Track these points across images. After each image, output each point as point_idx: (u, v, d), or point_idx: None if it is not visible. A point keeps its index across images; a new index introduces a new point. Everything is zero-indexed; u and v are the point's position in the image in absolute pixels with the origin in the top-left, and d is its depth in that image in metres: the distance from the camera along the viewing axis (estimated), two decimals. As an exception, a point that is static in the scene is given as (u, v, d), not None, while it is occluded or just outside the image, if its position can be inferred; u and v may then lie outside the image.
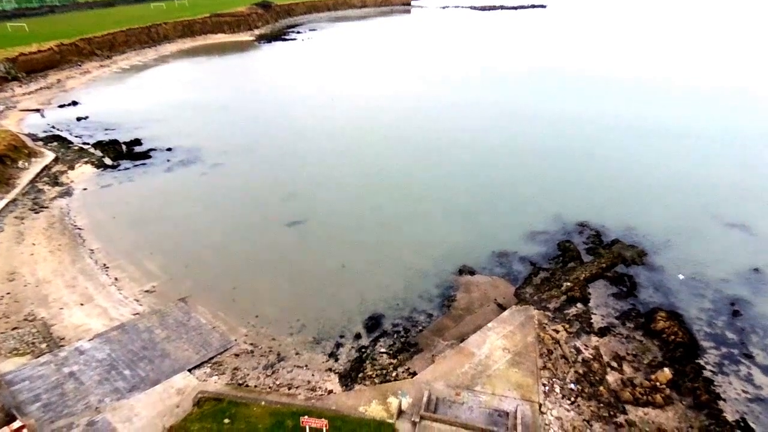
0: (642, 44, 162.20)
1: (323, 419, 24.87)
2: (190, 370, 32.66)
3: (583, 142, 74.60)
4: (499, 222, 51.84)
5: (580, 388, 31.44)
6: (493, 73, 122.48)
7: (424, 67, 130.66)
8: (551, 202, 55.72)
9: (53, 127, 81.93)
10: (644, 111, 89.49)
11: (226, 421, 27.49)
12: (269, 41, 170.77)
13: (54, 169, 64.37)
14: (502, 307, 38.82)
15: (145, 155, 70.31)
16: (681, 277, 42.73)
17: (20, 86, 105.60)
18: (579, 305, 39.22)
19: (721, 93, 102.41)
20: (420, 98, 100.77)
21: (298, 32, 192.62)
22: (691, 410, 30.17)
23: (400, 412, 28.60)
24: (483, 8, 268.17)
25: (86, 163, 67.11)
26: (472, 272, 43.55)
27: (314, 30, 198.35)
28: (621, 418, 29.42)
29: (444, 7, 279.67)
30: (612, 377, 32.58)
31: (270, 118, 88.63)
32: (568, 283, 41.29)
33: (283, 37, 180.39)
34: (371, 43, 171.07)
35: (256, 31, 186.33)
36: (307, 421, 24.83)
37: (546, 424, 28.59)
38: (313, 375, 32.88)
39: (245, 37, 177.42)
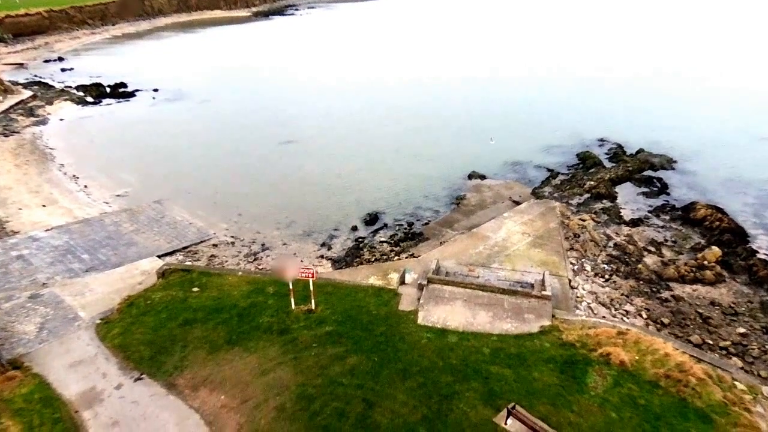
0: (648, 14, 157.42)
1: (311, 270, 20.29)
2: (159, 256, 28.13)
3: (601, 71, 69.98)
4: (511, 137, 47.26)
5: (614, 267, 26.80)
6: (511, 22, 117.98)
7: (428, 31, 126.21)
8: (568, 121, 51.21)
9: (36, 75, 77.60)
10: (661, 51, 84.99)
11: (195, 289, 22.91)
12: (267, 16, 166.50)
13: (31, 104, 59.95)
14: (517, 204, 34.17)
15: (130, 94, 65.88)
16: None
17: (5, 47, 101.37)
18: (605, 201, 34.55)
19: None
20: (429, 46, 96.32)
21: (297, 9, 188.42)
22: (747, 286, 25.52)
23: (403, 284, 23.99)
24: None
25: (66, 100, 62.72)
26: (482, 177, 38.91)
27: (312, 8, 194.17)
28: (666, 294, 24.76)
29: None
30: (650, 260, 27.93)
31: (264, 68, 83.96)
32: (592, 182, 36.65)
33: (281, 13, 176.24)
34: (367, 18, 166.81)
35: (254, 9, 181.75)
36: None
37: (578, 297, 23.97)
38: (302, 261, 28.31)
39: (242, 13, 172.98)
